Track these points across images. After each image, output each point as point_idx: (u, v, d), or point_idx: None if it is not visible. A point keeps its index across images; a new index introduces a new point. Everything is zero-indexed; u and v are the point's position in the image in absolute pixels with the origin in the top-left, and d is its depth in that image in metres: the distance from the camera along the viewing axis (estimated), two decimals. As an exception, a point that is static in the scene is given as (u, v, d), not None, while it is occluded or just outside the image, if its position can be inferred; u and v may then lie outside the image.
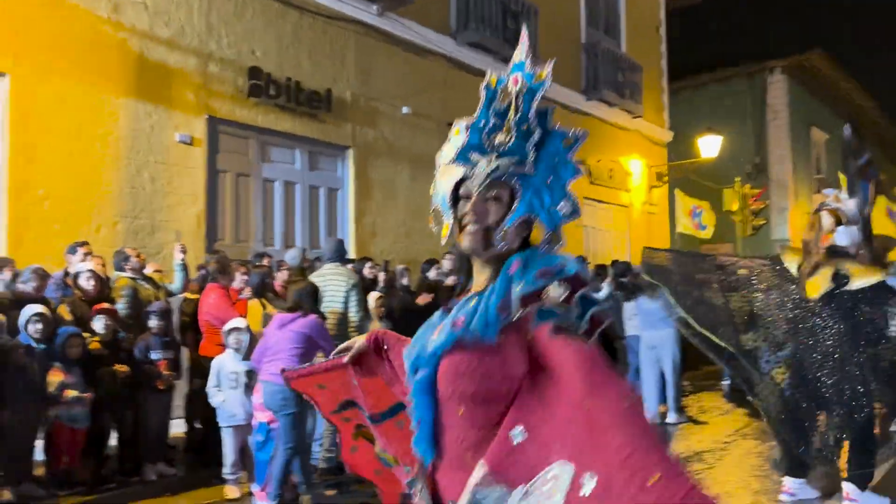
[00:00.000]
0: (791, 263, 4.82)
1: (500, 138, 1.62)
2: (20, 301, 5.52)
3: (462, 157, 1.64)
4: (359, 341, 2.12)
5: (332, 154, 10.59)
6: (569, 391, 1.39)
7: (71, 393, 5.28)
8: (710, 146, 17.28)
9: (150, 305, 6.14)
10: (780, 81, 22.02)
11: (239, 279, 6.71)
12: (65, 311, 5.77)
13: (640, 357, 8.65)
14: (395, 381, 2.05)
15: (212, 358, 6.39)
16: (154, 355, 5.94)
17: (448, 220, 1.66)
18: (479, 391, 1.51)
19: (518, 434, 1.47)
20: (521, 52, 1.63)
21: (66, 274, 6.46)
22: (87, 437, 5.60)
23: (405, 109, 11.41)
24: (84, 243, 6.63)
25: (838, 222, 4.78)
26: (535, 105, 1.61)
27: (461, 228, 1.63)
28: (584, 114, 15.47)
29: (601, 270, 11.26)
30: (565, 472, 1.35)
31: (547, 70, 1.63)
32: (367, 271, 8.54)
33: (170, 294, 6.94)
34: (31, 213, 7.25)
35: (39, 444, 5.51)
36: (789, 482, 4.93)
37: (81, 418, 5.43)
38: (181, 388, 6.66)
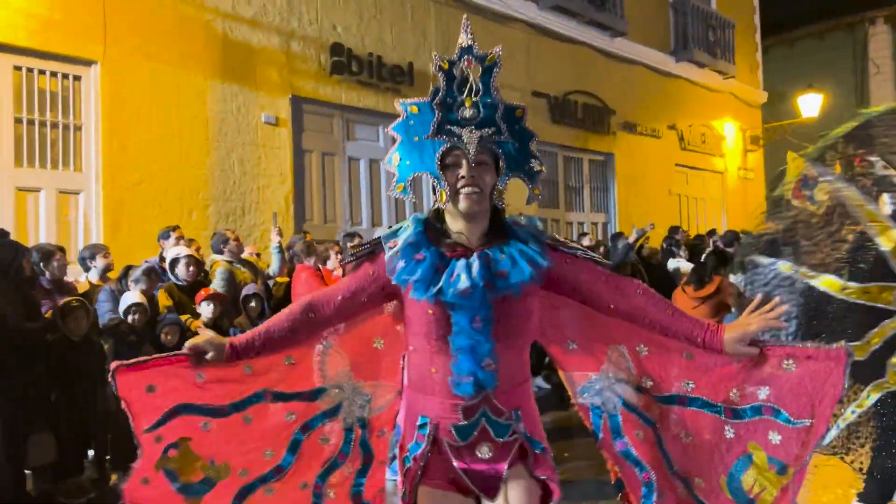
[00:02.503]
0: None
1: (468, 113, 1.89)
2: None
3: (442, 130, 1.88)
4: (209, 337, 2.00)
5: (415, 129, 10.33)
6: (600, 289, 2.04)
7: None
8: (810, 105, 16.24)
9: (244, 289, 6.07)
10: (882, 32, 20.46)
11: (333, 259, 6.58)
12: (164, 298, 5.76)
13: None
14: (248, 377, 2.06)
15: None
16: (250, 339, 5.87)
17: (443, 187, 1.88)
18: (531, 328, 2.02)
19: (572, 344, 2.18)
20: (465, 38, 1.90)
21: (162, 259, 6.48)
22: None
23: (488, 80, 11.04)
24: (176, 227, 6.62)
25: None
26: (493, 83, 1.90)
27: (456, 192, 1.89)
28: (673, 76, 14.74)
29: (699, 241, 10.72)
30: (622, 349, 2.13)
31: (496, 52, 1.91)
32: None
33: (267, 278, 6.88)
34: (125, 199, 7.31)
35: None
36: None
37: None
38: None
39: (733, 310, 6.44)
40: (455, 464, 1.95)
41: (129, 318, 5.22)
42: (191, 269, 5.98)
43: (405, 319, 2.01)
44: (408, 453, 2.00)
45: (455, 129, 1.88)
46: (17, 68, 6.86)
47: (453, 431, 1.94)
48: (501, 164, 1.93)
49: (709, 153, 15.77)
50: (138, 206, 7.37)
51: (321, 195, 9.25)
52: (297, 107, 8.94)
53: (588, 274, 2.04)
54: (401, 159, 1.93)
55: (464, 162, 1.88)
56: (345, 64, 9.29)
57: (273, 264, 6.95)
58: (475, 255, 1.91)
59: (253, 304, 5.92)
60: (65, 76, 7.18)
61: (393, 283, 1.95)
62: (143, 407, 2.00)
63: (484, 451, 1.95)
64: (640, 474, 2.11)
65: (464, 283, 1.85)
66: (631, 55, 13.70)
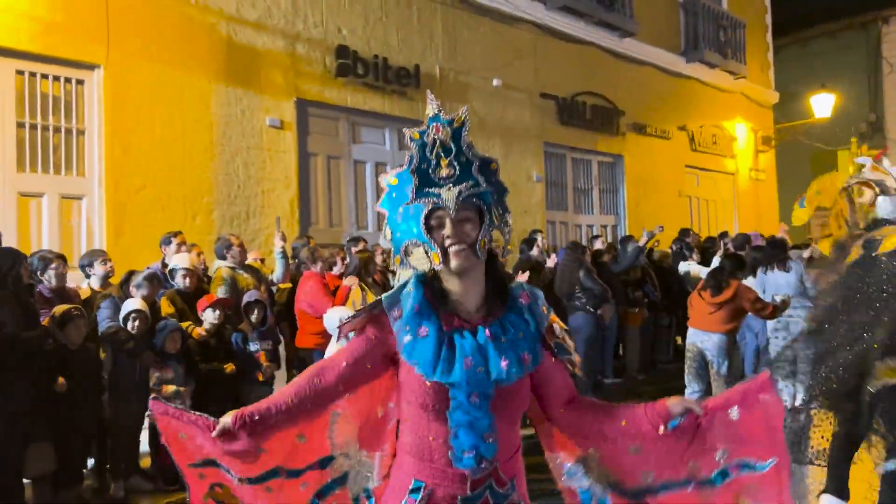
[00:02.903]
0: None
1: (445, 172, 1.88)
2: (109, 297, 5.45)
3: (421, 194, 1.88)
4: (224, 419, 2.00)
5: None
6: (555, 401, 2.08)
7: (169, 388, 5.19)
8: (822, 105, 16.05)
9: (245, 295, 6.00)
10: (896, 32, 20.25)
11: (339, 265, 6.51)
12: (166, 305, 5.69)
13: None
14: (262, 455, 2.08)
15: (308, 349, 6.21)
16: (252, 346, 5.80)
17: (434, 250, 1.87)
18: (525, 406, 2.03)
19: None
20: (432, 108, 1.91)
21: (164, 265, 6.41)
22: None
23: (496, 82, 10.96)
24: (178, 233, 6.55)
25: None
26: (464, 141, 1.89)
27: (444, 252, 1.87)
28: (683, 77, 14.60)
29: (710, 243, 10.58)
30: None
31: (463, 113, 1.93)
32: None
33: (271, 283, 6.80)
34: (129, 203, 7.25)
35: (145, 438, 5.48)
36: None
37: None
38: (281, 378, 6.53)
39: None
40: None
41: (129, 325, 5.15)
42: (188, 280, 5.91)
43: (399, 384, 1.99)
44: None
45: (434, 190, 1.88)
46: (20, 72, 6.82)
47: (460, 502, 1.95)
48: (486, 216, 1.91)
49: (720, 154, 15.61)
50: (141, 211, 7.32)
51: (327, 199, 9.17)
52: (303, 110, 8.86)
53: (560, 379, 2.08)
54: (392, 232, 1.96)
55: (447, 221, 1.87)
56: (350, 66, 9.22)
57: (276, 270, 6.88)
58: (480, 332, 1.92)
59: (255, 311, 5.85)
60: (67, 80, 7.13)
61: (398, 354, 1.96)
62: (179, 448, 2.08)
63: None
64: None
65: (475, 373, 1.88)
66: (640, 56, 13.57)
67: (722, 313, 6.32)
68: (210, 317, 5.68)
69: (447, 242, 1.87)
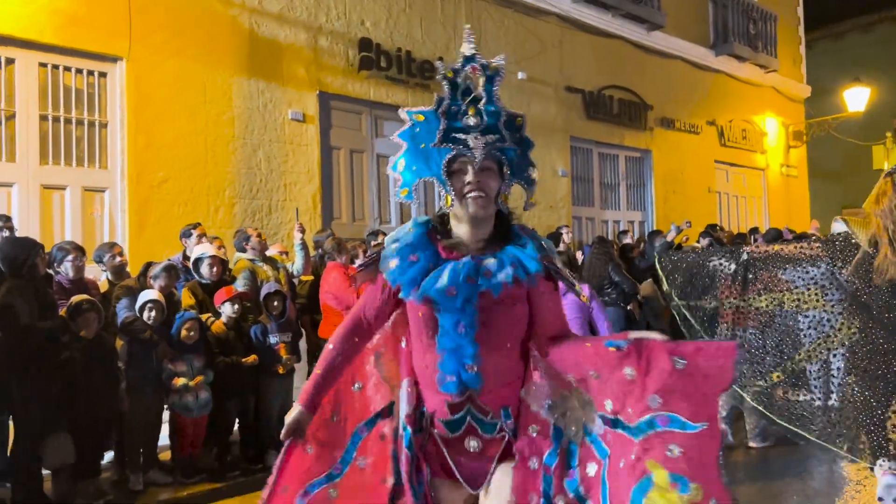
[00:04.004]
0: (863, 237, 4.00)
1: (473, 120, 1.94)
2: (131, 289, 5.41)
3: (448, 138, 1.94)
4: (293, 413, 2.12)
5: (445, 126, 10.14)
6: (553, 323, 2.10)
7: (179, 381, 5.13)
8: (856, 99, 15.64)
9: (263, 287, 5.92)
10: (933, 24, 19.73)
11: (361, 257, 6.41)
12: (187, 296, 5.64)
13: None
14: (339, 423, 2.19)
15: (331, 341, 6.12)
16: (272, 339, 5.72)
17: (448, 192, 1.95)
18: (523, 330, 2.05)
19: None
20: (468, 48, 1.98)
21: (185, 257, 6.37)
22: (210, 424, 5.47)
23: (520, 75, 10.81)
24: (197, 225, 6.51)
25: None
26: (495, 91, 1.96)
27: (462, 197, 1.94)
28: (712, 70, 14.33)
29: (741, 240, 10.34)
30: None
31: (498, 61, 1.97)
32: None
33: (291, 275, 6.73)
34: (151, 197, 7.23)
35: (165, 432, 5.42)
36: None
37: (202, 405, 5.28)
38: (301, 371, 6.45)
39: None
40: (447, 455, 2.05)
41: (145, 315, 5.10)
42: (214, 269, 5.85)
43: (408, 318, 2.11)
44: (408, 434, 2.09)
45: (460, 136, 1.94)
46: (43, 65, 6.82)
47: (443, 424, 2.04)
48: (505, 169, 1.99)
49: (750, 149, 15.30)
50: (164, 204, 7.29)
51: (349, 193, 9.10)
52: (325, 103, 8.80)
53: (555, 307, 2.11)
54: (406, 165, 2.00)
55: (469, 168, 1.93)
56: (373, 59, 9.13)
57: (297, 262, 6.79)
58: (467, 258, 1.97)
59: (275, 302, 5.77)
60: (90, 73, 7.13)
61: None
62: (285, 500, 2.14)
63: (472, 445, 2.04)
64: None
65: (443, 282, 1.92)
66: (668, 49, 13.33)
67: None
68: (228, 310, 5.61)
69: (467, 189, 1.93)
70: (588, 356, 2.02)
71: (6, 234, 5.38)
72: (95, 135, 7.15)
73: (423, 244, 2.00)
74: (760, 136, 15.61)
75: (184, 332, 5.15)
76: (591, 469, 1.98)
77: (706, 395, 1.89)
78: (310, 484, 2.12)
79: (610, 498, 1.92)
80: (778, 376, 4.28)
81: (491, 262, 1.96)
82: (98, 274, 5.94)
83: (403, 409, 2.10)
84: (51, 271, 5.28)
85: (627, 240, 9.92)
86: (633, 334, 1.98)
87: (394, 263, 1.99)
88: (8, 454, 4.93)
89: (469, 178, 1.93)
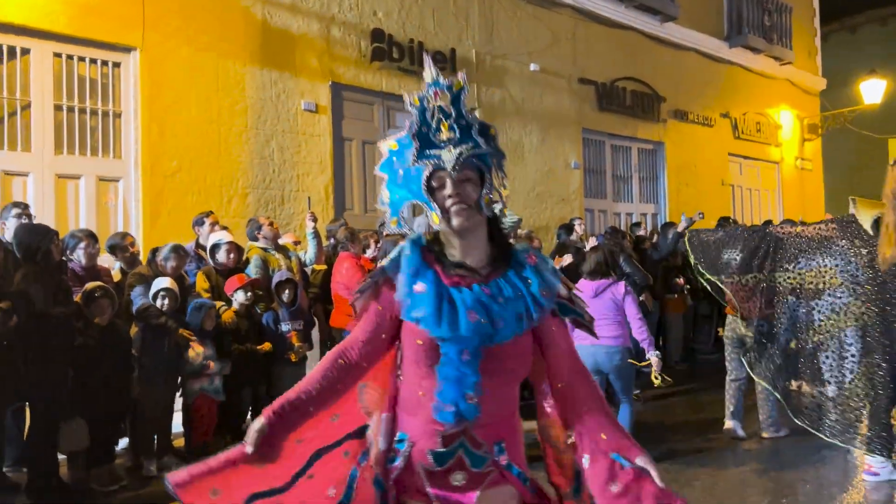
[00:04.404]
0: (866, 218, 4.13)
1: (446, 136, 1.89)
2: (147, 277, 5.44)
3: (423, 156, 1.89)
4: (257, 424, 1.95)
5: (457, 117, 10.12)
6: (563, 363, 2.03)
7: (214, 365, 5.17)
8: (873, 91, 15.48)
9: (274, 275, 5.94)
10: (951, 17, 19.49)
11: (373, 248, 6.42)
12: (202, 280, 5.67)
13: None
14: (301, 446, 2.05)
15: (344, 330, 6.14)
16: (284, 326, 5.74)
17: (434, 210, 1.88)
18: (524, 369, 1.99)
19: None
20: (430, 74, 1.92)
21: (198, 245, 6.40)
22: (223, 411, 5.50)
23: (533, 66, 10.77)
24: (210, 213, 6.54)
25: None
26: (464, 105, 1.90)
27: (445, 212, 1.88)
28: (726, 62, 14.23)
29: (755, 231, 10.26)
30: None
31: (461, 78, 1.93)
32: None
33: (303, 264, 6.75)
34: (165, 186, 7.27)
35: (178, 419, 5.46)
36: (873, 460, 4.63)
37: (214, 392, 5.31)
38: (314, 359, 6.47)
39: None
40: (428, 488, 1.96)
41: (158, 303, 5.13)
42: (231, 255, 5.89)
43: (400, 341, 2.02)
44: (381, 465, 2.02)
45: (434, 152, 1.90)
46: (58, 55, 6.86)
47: (430, 457, 1.95)
48: (487, 176, 1.92)
49: (764, 142, 15.19)
50: (177, 194, 7.32)
51: (361, 184, 9.10)
52: (337, 94, 8.80)
53: (563, 344, 2.04)
54: (390, 195, 1.98)
55: (448, 181, 1.88)
56: (385, 50, 9.13)
57: (309, 251, 6.81)
58: (476, 288, 1.91)
59: (287, 290, 5.79)
60: (104, 63, 7.16)
61: (400, 317, 1.97)
62: None
63: (458, 479, 1.95)
64: None
65: (463, 324, 1.86)
66: (682, 40, 13.24)
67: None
68: (241, 297, 5.64)
69: (448, 202, 1.87)
70: (591, 438, 1.99)
71: (24, 220, 5.43)
72: (109, 125, 7.19)
73: (423, 269, 1.94)
74: (775, 128, 15.50)
75: (204, 321, 5.19)
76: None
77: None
78: (249, 496, 1.95)
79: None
80: (794, 345, 4.39)
81: (498, 301, 1.90)
82: (111, 262, 5.98)
83: (381, 443, 2.04)
84: (63, 258, 5.32)
85: (640, 232, 9.88)
86: (641, 461, 1.93)
87: (407, 301, 1.92)
88: (24, 440, 4.98)
89: (448, 190, 1.88)
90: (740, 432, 5.98)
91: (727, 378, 6.13)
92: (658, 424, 6.43)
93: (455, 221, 1.88)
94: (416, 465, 1.96)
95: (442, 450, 1.94)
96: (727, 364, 6.18)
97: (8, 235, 5.26)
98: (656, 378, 5.40)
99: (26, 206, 5.66)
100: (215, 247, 5.79)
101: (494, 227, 1.98)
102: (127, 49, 7.21)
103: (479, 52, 10.22)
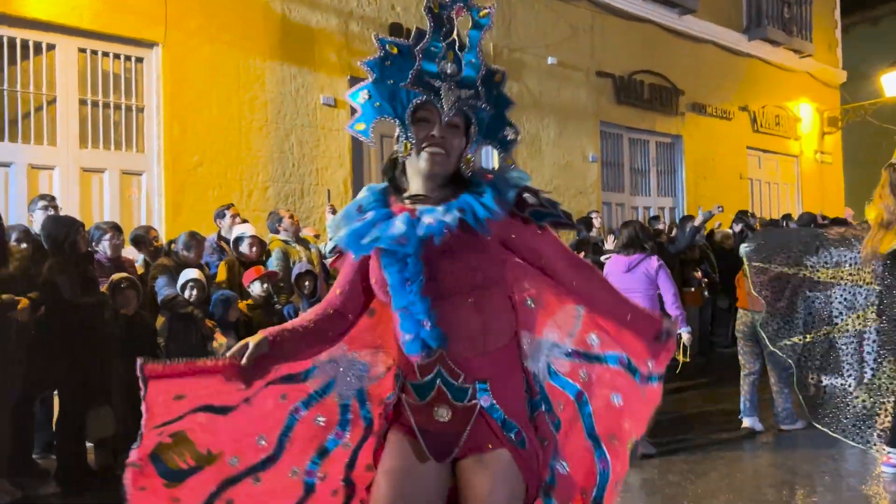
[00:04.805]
0: (870, 216, 4.59)
1: (450, 68, 1.78)
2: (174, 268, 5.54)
3: (420, 82, 1.78)
4: (255, 340, 1.83)
5: (475, 111, 10.17)
6: (558, 266, 1.96)
7: (221, 339, 5.26)
8: (894, 84, 15.30)
9: (294, 267, 6.02)
10: (976, 7, 19.19)
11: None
12: (223, 270, 5.76)
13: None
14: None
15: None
16: (306, 318, 5.82)
17: (410, 139, 1.79)
18: (485, 280, 1.84)
19: (530, 302, 2.03)
20: None
21: (220, 238, 6.50)
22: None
23: (551, 60, 10.78)
24: (230, 205, 6.64)
25: None
26: (480, 41, 1.80)
27: (420, 149, 1.79)
28: (745, 55, 14.14)
29: (775, 224, 10.23)
30: (580, 310, 2.07)
31: (489, 9, 1.82)
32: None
33: (323, 257, 6.83)
34: (186, 180, 7.37)
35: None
36: (893, 452, 4.62)
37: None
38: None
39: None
40: (413, 423, 1.89)
41: (187, 294, 5.22)
42: (254, 248, 5.98)
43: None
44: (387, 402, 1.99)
45: (434, 82, 1.78)
46: (82, 50, 6.98)
47: (412, 389, 1.89)
48: (473, 130, 1.83)
49: (783, 136, 15.09)
50: (198, 188, 7.43)
51: (380, 177, 9.11)
52: (356, 88, 8.85)
53: (549, 248, 1.96)
54: (370, 97, 1.84)
55: (436, 120, 1.79)
56: (404, 44, 9.17)
57: (329, 243, 6.88)
58: (422, 210, 1.83)
59: (307, 282, 5.86)
60: (127, 58, 7.28)
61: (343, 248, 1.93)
62: (164, 411, 1.82)
63: (442, 414, 1.86)
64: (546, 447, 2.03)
65: (395, 229, 1.78)
66: (700, 33, 13.18)
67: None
68: (257, 289, 5.72)
69: (427, 143, 1.79)
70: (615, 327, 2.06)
71: (50, 213, 5.54)
72: (133, 119, 7.30)
73: (376, 204, 1.89)
74: (794, 122, 15.39)
75: (229, 312, 5.28)
76: (560, 405, 2.06)
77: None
78: (200, 405, 1.84)
79: (600, 424, 2.08)
80: (811, 337, 4.71)
81: (438, 209, 1.81)
82: (135, 255, 6.09)
83: (362, 379, 2.02)
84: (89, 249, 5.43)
85: (659, 226, 9.88)
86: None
87: (344, 229, 1.87)
88: (53, 427, 5.11)
89: (435, 131, 1.79)
90: (758, 426, 5.99)
91: (742, 373, 6.14)
92: (675, 416, 6.45)
93: (424, 165, 1.80)
94: (402, 399, 1.91)
95: (421, 381, 1.86)
96: (740, 359, 6.19)
97: (35, 227, 5.39)
98: (681, 355, 5.48)
99: (52, 199, 5.77)
100: (238, 239, 5.88)
101: (456, 179, 1.89)
102: (149, 44, 7.32)
103: (497, 45, 10.24)
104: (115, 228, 5.58)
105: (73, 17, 6.79)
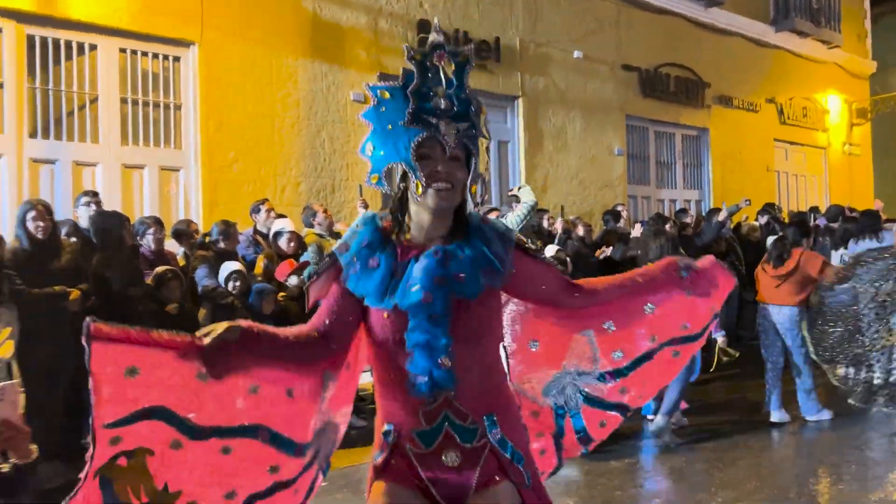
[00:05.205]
0: None
1: (444, 104, 1.79)
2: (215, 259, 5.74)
3: (419, 119, 1.79)
4: (227, 325, 1.68)
5: (500, 105, 10.27)
6: (557, 285, 2.04)
7: None
8: (925, 74, 15.14)
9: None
10: None
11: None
12: (260, 267, 5.95)
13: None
14: (250, 398, 1.76)
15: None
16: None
17: (419, 179, 1.78)
18: (495, 327, 1.93)
19: (534, 345, 2.17)
20: (436, 37, 1.84)
21: (256, 231, 6.70)
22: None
23: (577, 54, 10.84)
24: (265, 200, 6.83)
25: None
26: (466, 79, 1.82)
27: (427, 185, 1.79)
28: (772, 47, 14.07)
29: (802, 216, 10.23)
30: (589, 334, 2.16)
31: (468, 50, 1.87)
32: (544, 223, 8.31)
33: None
34: (222, 176, 7.58)
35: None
36: None
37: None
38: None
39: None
40: (421, 473, 1.85)
41: (230, 286, 5.41)
42: (292, 243, 6.16)
43: (368, 326, 1.90)
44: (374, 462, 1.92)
45: (431, 119, 1.79)
46: (122, 50, 7.20)
47: (416, 438, 1.84)
48: (473, 161, 1.85)
49: (811, 128, 15.00)
50: (234, 183, 7.63)
51: (408, 172, 9.29)
52: (385, 84, 8.99)
53: (549, 272, 2.03)
54: (374, 149, 1.85)
55: (439, 155, 1.79)
56: (431, 41, 9.29)
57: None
58: (430, 251, 1.82)
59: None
60: (165, 57, 7.49)
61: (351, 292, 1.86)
62: (114, 393, 1.59)
63: (450, 459, 1.84)
64: None
65: (416, 293, 1.78)
66: (727, 25, 13.14)
67: (788, 285, 6.02)
68: (294, 281, 5.89)
69: (435, 178, 1.78)
70: (642, 290, 2.17)
71: (93, 208, 5.77)
72: (171, 116, 7.52)
73: (378, 244, 1.85)
74: (822, 113, 15.28)
75: (265, 304, 5.47)
76: (603, 423, 2.26)
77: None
78: (159, 407, 1.62)
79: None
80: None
81: (459, 259, 1.81)
82: (175, 248, 6.30)
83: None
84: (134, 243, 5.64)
85: (687, 219, 9.93)
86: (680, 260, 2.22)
87: (355, 270, 1.83)
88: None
89: (439, 167, 1.78)
90: (785, 418, 6.04)
91: (766, 367, 6.20)
92: (701, 405, 6.55)
93: (433, 200, 1.79)
94: (406, 450, 1.86)
95: (426, 428, 1.83)
96: (763, 352, 6.24)
97: (81, 223, 5.62)
98: (723, 355, 5.93)
99: (96, 195, 6.00)
100: (277, 234, 6.07)
101: (460, 207, 1.89)
102: (186, 43, 7.52)
103: (523, 39, 10.32)
104: (158, 223, 5.80)
105: (114, 18, 7.01)
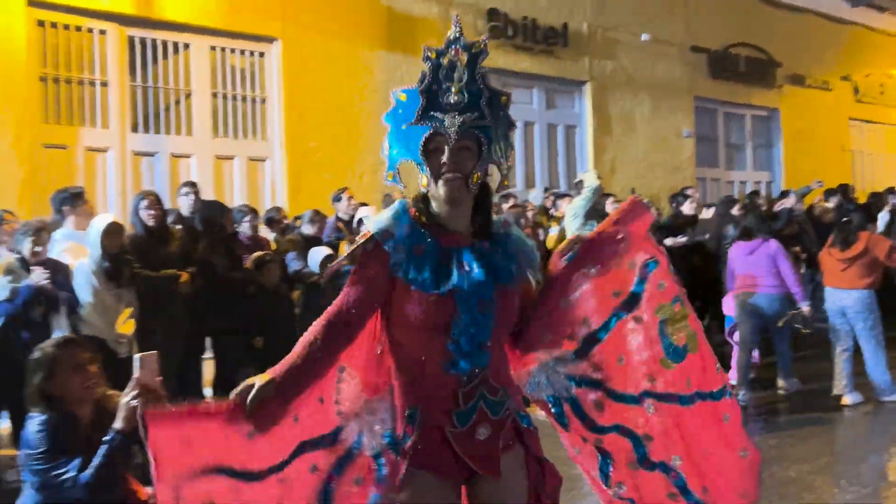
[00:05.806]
0: None
1: (454, 98, 1.88)
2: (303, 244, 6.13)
3: (426, 116, 1.89)
4: (261, 382, 1.84)
5: (568, 90, 10.41)
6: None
7: None
8: None
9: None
10: None
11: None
12: (343, 251, 6.32)
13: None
14: (295, 427, 1.93)
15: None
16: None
17: (424, 172, 1.90)
18: (515, 318, 2.06)
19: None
20: (454, 31, 1.94)
21: (338, 219, 7.06)
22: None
23: (644, 37, 10.86)
24: (345, 189, 7.18)
25: None
26: (479, 70, 1.90)
27: (437, 178, 1.88)
28: (847, 23, 13.72)
29: (876, 198, 10.09)
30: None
31: (482, 40, 1.94)
32: (609, 207, 8.41)
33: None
34: (304, 164, 7.99)
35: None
36: None
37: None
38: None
39: None
40: (458, 450, 1.93)
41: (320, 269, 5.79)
42: (374, 229, 6.50)
43: (393, 312, 1.95)
44: (399, 445, 1.96)
45: (438, 114, 1.88)
46: (213, 48, 7.66)
47: (455, 419, 1.91)
48: (484, 149, 1.91)
49: (889, 105, 14.60)
50: (315, 172, 8.04)
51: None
52: (456, 73, 9.23)
53: (526, 292, 2.15)
54: (390, 148, 1.98)
55: (446, 147, 1.88)
56: (501, 28, 9.49)
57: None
58: (473, 246, 1.94)
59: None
60: (251, 53, 7.93)
61: (399, 278, 1.90)
62: (174, 461, 1.83)
63: (482, 433, 1.94)
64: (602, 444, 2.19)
65: (477, 275, 1.89)
66: (800, 3, 12.89)
67: (855, 269, 5.99)
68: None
69: (442, 169, 1.88)
70: (556, 287, 2.17)
71: (192, 198, 6.21)
72: (257, 109, 7.97)
73: (418, 232, 1.91)
74: (900, 90, 14.85)
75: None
76: (594, 400, 2.20)
77: (644, 235, 2.19)
78: (217, 467, 1.83)
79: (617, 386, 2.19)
80: None
81: (498, 251, 1.97)
82: (267, 234, 6.73)
83: (381, 433, 1.96)
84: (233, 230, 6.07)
85: (759, 200, 9.89)
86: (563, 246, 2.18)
87: (403, 259, 1.89)
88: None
89: (444, 158, 1.87)
90: (858, 398, 6.04)
91: (836, 350, 6.19)
92: (773, 385, 6.63)
93: (443, 190, 1.88)
94: (443, 432, 1.92)
95: (463, 409, 1.91)
96: (831, 336, 6.23)
97: (182, 211, 6.07)
98: (804, 326, 6.23)
99: (194, 185, 6.43)
100: (361, 221, 6.42)
101: (482, 199, 1.97)
102: (269, 39, 7.94)
103: (591, 24, 10.41)
104: (253, 211, 6.22)
105: (204, 17, 7.46)
